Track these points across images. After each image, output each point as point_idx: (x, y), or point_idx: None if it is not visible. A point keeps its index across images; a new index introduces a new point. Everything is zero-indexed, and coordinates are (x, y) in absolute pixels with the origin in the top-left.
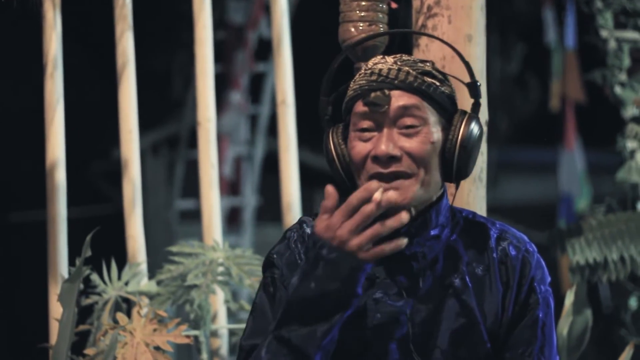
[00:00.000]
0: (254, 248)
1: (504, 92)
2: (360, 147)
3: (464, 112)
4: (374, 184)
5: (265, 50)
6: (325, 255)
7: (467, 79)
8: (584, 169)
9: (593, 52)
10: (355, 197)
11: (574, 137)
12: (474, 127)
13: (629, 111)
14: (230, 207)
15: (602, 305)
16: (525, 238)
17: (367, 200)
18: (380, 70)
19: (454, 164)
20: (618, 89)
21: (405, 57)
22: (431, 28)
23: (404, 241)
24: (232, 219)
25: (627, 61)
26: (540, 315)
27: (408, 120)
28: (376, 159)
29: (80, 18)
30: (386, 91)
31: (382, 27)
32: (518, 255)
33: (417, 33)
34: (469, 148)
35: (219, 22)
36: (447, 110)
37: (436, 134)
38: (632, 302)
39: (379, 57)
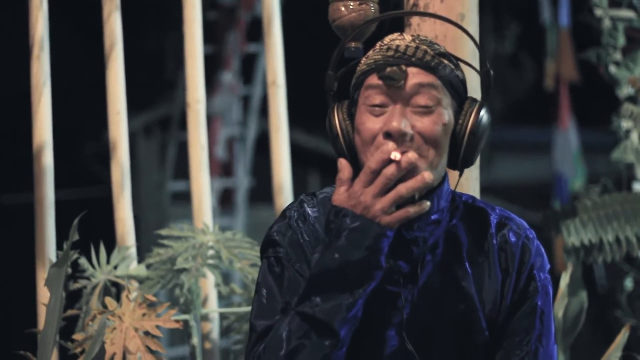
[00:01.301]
0: (246, 229)
1: (498, 72)
2: (370, 123)
3: (475, 100)
4: (389, 145)
5: (257, 30)
6: (349, 224)
7: (463, 58)
8: (578, 148)
9: (587, 31)
10: (373, 161)
11: (568, 116)
12: (484, 116)
13: (624, 90)
14: (223, 188)
15: (596, 286)
16: (525, 224)
17: (386, 162)
18: (398, 46)
19: (462, 150)
20: (613, 68)
21: (422, 36)
22: (423, 7)
23: (427, 203)
24: (224, 201)
25: (621, 40)
26: (539, 304)
27: (422, 99)
28: (388, 135)
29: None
30: (403, 67)
31: (372, 6)
32: (518, 241)
33: (413, 14)
34: (478, 135)
35: (211, 2)
36: (460, 94)
37: (448, 116)
38: (628, 283)
39: (396, 34)
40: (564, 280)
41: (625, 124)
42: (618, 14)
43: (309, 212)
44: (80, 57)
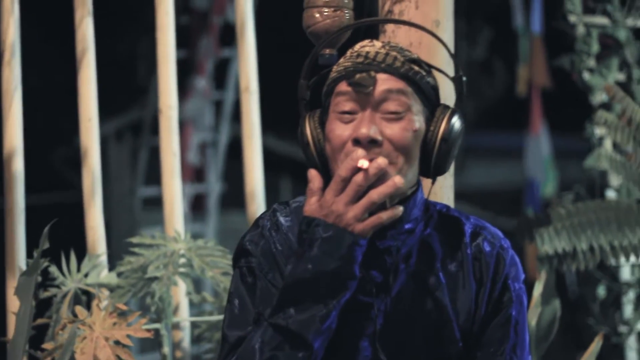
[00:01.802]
0: (218, 235)
1: (470, 77)
2: (340, 130)
3: (447, 107)
4: (358, 152)
5: (230, 35)
6: (322, 233)
7: (437, 65)
8: (550, 154)
9: (560, 38)
10: (343, 168)
11: (540, 122)
12: (457, 123)
13: (598, 97)
14: (194, 194)
15: (568, 292)
16: (500, 234)
17: (356, 169)
18: (368, 52)
19: (433, 157)
20: (586, 75)
21: (393, 43)
22: (398, 13)
23: (400, 209)
24: (196, 206)
25: (595, 47)
26: (513, 314)
27: (392, 105)
28: (357, 142)
29: (40, 2)
30: (372, 73)
31: (347, 13)
32: (492, 251)
33: (388, 21)
34: (449, 142)
35: (184, 7)
36: (431, 101)
37: (419, 123)
38: (600, 291)
39: (367, 41)
40: (538, 289)
41: (599, 131)
42: (592, 21)
43: (282, 221)
44: (51, 61)
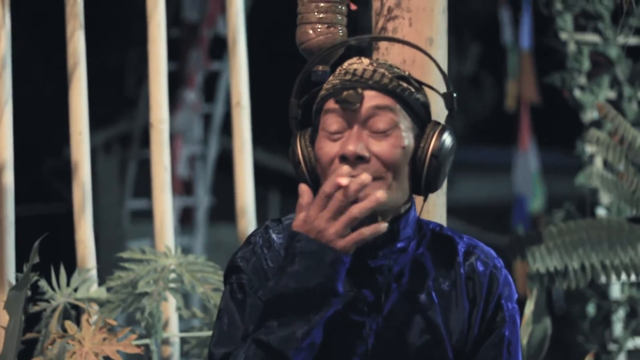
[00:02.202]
0: (206, 248)
1: (459, 92)
2: (328, 148)
3: (438, 123)
4: (344, 168)
5: (220, 48)
6: (304, 248)
7: (430, 83)
8: (538, 169)
9: (550, 54)
10: (328, 184)
11: (529, 137)
12: (447, 139)
13: (588, 115)
14: (183, 207)
15: (554, 308)
16: (493, 253)
17: (340, 185)
18: (355, 70)
19: (424, 174)
20: (577, 93)
21: (381, 60)
22: (391, 31)
23: (384, 225)
24: (185, 219)
25: (586, 64)
26: (507, 334)
27: (379, 122)
28: (344, 159)
29: (32, 15)
30: (359, 90)
31: (341, 30)
32: (486, 271)
33: (382, 39)
34: (440, 159)
35: (174, 19)
36: (421, 118)
37: (408, 140)
38: (590, 309)
39: (355, 58)
40: (529, 307)
41: (590, 148)
42: (583, 38)
43: (274, 238)
44: (41, 72)
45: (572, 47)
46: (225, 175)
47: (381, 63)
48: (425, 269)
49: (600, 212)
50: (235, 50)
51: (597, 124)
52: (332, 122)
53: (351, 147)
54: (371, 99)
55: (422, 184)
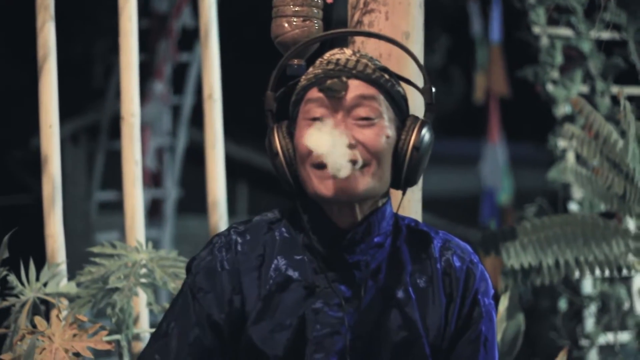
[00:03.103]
0: (174, 240)
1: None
2: None
3: (417, 117)
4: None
5: (188, 40)
6: None
7: (407, 77)
8: (506, 162)
9: (521, 47)
10: None
11: (498, 130)
12: (427, 134)
13: (561, 109)
14: (151, 199)
15: (522, 301)
16: (469, 248)
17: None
18: (338, 59)
19: (405, 167)
20: (550, 87)
21: (362, 52)
22: (367, 24)
23: None
24: (153, 212)
25: (559, 58)
26: (483, 330)
27: (363, 111)
28: None
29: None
30: (344, 78)
31: (316, 23)
32: (462, 266)
33: (358, 33)
34: (421, 152)
35: (143, 10)
36: (402, 111)
37: (390, 130)
38: (562, 304)
39: (337, 49)
40: (503, 303)
41: (563, 143)
42: (556, 32)
43: (237, 239)
44: (6, 63)
45: (544, 41)
46: (193, 168)
47: (363, 54)
48: (402, 265)
49: (573, 207)
50: (208, 42)
51: (570, 118)
52: (315, 110)
53: None
54: (356, 87)
55: (403, 177)
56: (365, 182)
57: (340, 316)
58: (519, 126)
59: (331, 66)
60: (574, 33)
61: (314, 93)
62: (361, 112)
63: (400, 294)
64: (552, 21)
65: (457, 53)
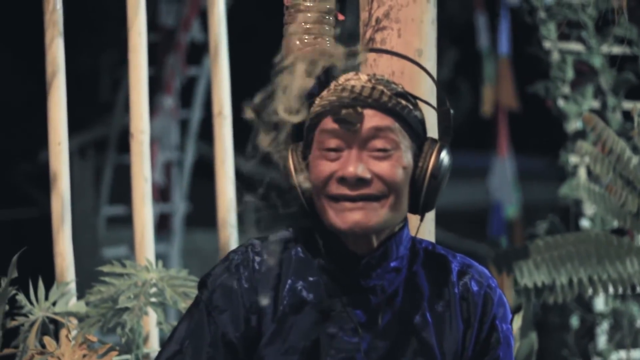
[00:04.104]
0: (182, 254)
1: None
2: (324, 166)
3: (435, 141)
4: None
5: (197, 53)
6: None
7: (420, 95)
8: (514, 176)
9: (529, 60)
10: None
11: (507, 143)
12: (445, 158)
13: (572, 125)
14: (159, 213)
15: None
16: (487, 273)
17: None
18: (353, 87)
19: (423, 194)
20: (561, 102)
21: (378, 76)
22: (380, 42)
23: None
24: (161, 226)
25: (570, 73)
26: (501, 355)
27: (379, 143)
28: (343, 181)
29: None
30: (358, 109)
31: (328, 40)
32: (480, 291)
33: (371, 50)
34: (439, 178)
35: (151, 24)
36: (419, 136)
37: (407, 159)
38: (574, 321)
39: (352, 73)
40: (517, 322)
41: (574, 159)
42: (567, 47)
43: (254, 258)
44: (15, 76)
45: (555, 56)
46: (201, 182)
47: (379, 79)
48: (419, 289)
49: (584, 223)
50: (217, 58)
51: (581, 134)
52: (329, 141)
53: (351, 169)
54: (371, 118)
55: (420, 204)
56: (382, 215)
57: (355, 342)
58: (527, 140)
59: (346, 93)
60: (585, 48)
61: (329, 123)
62: (377, 144)
63: (417, 318)
64: (563, 36)
65: (465, 66)
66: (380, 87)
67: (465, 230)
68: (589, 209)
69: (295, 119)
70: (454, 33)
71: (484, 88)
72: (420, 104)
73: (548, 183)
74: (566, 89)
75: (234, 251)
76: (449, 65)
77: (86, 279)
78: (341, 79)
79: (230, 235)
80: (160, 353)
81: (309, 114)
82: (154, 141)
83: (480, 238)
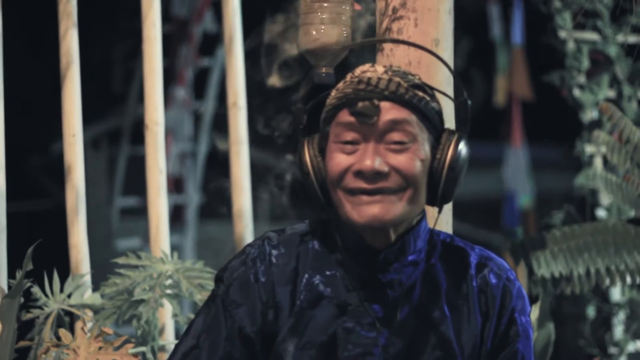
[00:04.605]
0: (196, 245)
1: None
2: (340, 159)
3: (452, 132)
4: None
5: (209, 44)
6: None
7: (436, 86)
8: (528, 165)
9: (543, 50)
10: None
11: (520, 133)
12: (463, 149)
13: (588, 114)
14: (173, 204)
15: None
16: (506, 265)
17: None
18: (369, 79)
19: (441, 186)
20: (577, 92)
21: (395, 67)
22: (396, 31)
23: None
24: (175, 217)
25: (585, 63)
26: (520, 348)
27: (397, 136)
28: (360, 174)
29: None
30: (375, 101)
31: (344, 30)
32: (499, 283)
33: (387, 41)
34: (457, 170)
35: (164, 15)
36: (437, 128)
37: (424, 152)
38: (590, 312)
39: (368, 65)
40: (534, 313)
41: (590, 149)
42: (582, 37)
43: (271, 251)
44: (27, 67)
45: (571, 46)
46: (214, 173)
47: (395, 71)
48: (437, 282)
49: (600, 213)
50: (232, 49)
51: (597, 123)
52: (345, 134)
53: (368, 162)
54: (388, 111)
55: (439, 196)
56: (400, 208)
57: (373, 336)
58: (540, 129)
59: (362, 86)
60: (600, 37)
61: (345, 116)
62: (394, 136)
63: (435, 312)
64: (578, 25)
65: (478, 56)
66: (397, 79)
67: (479, 220)
68: (605, 198)
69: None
70: (466, 23)
71: (497, 78)
72: (437, 95)
73: (561, 172)
74: (582, 79)
75: (250, 245)
76: (462, 55)
77: (100, 270)
78: (357, 71)
79: (245, 227)
80: (176, 348)
81: (324, 106)
82: (168, 132)
83: (494, 228)
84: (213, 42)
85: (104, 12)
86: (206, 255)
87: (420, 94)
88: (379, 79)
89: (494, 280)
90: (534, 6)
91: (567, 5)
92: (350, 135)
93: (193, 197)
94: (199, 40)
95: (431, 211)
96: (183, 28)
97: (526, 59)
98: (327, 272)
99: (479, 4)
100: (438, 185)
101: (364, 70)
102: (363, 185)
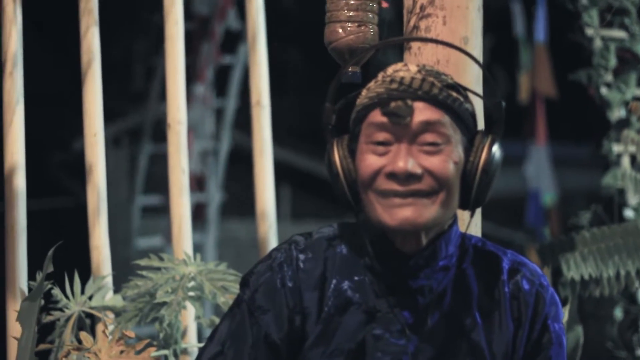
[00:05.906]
0: (218, 244)
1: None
2: (372, 160)
3: (486, 134)
4: None
5: (231, 42)
6: None
7: (466, 85)
8: (551, 163)
9: (566, 46)
10: None
11: (544, 131)
12: (497, 152)
13: (615, 113)
14: (195, 203)
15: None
16: (539, 271)
17: None
18: (402, 78)
19: (474, 190)
20: (604, 90)
21: (428, 67)
22: (424, 29)
23: None
24: (197, 216)
25: (613, 61)
26: (553, 356)
27: (430, 137)
28: (393, 176)
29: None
30: (409, 101)
31: (371, 28)
32: (532, 289)
33: (415, 39)
34: (490, 173)
35: (185, 12)
36: (470, 129)
37: (458, 154)
38: (617, 313)
39: (400, 64)
40: (564, 316)
41: (617, 148)
42: (610, 34)
43: (298, 255)
44: (48, 64)
45: (598, 43)
46: (236, 171)
47: (429, 70)
48: (468, 288)
49: (628, 213)
50: (255, 47)
51: (625, 122)
52: (377, 134)
53: (402, 164)
54: (421, 111)
55: (471, 200)
56: (432, 212)
57: (402, 344)
58: (565, 127)
59: (395, 85)
60: (627, 35)
61: (377, 115)
62: (428, 137)
63: (466, 319)
64: (605, 23)
65: (500, 53)
66: (431, 79)
67: (503, 219)
68: (632, 198)
69: None
70: (489, 20)
71: (520, 75)
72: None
73: (585, 171)
74: (609, 77)
75: (276, 249)
76: (485, 52)
77: (120, 269)
78: (389, 70)
79: (269, 228)
80: (200, 354)
81: (354, 106)
82: (189, 130)
83: (517, 227)
84: (235, 39)
85: (125, 9)
86: (228, 253)
87: (454, 94)
88: (412, 78)
89: (526, 286)
90: (558, 3)
91: (594, 2)
92: (382, 136)
93: (215, 196)
94: (221, 37)
95: (460, 214)
96: (204, 25)
97: (550, 57)
98: (356, 278)
99: (502, 1)
100: (471, 188)
101: (397, 70)
102: (395, 187)
